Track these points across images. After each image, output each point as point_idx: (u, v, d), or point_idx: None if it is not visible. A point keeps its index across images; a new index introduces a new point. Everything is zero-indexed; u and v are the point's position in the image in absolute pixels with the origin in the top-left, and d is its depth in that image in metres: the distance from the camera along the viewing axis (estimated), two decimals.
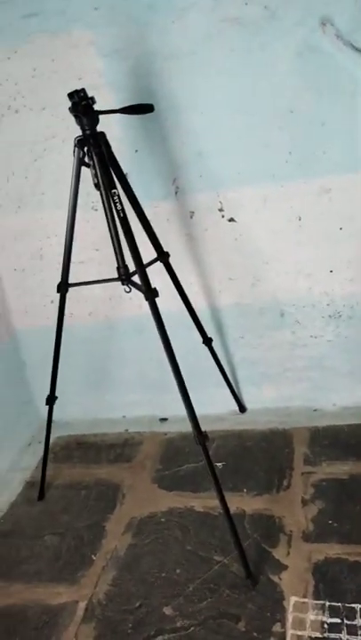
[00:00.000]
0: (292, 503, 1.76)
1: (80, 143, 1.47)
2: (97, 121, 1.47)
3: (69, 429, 2.34)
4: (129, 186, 1.58)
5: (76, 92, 1.43)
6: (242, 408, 2.24)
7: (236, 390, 2.22)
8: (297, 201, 1.89)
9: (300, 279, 2.01)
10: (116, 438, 2.24)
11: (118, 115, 1.53)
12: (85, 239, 2.07)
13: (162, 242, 1.80)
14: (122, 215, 1.46)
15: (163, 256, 1.75)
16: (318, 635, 1.35)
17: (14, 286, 2.23)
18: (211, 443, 2.08)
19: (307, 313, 2.06)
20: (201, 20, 1.71)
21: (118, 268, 1.64)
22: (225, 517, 1.52)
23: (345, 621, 1.37)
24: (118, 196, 1.46)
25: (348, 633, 1.34)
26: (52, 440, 2.26)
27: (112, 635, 1.44)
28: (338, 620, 1.37)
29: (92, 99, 1.46)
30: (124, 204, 1.54)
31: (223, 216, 1.97)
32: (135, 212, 1.64)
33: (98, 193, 1.58)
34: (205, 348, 2.05)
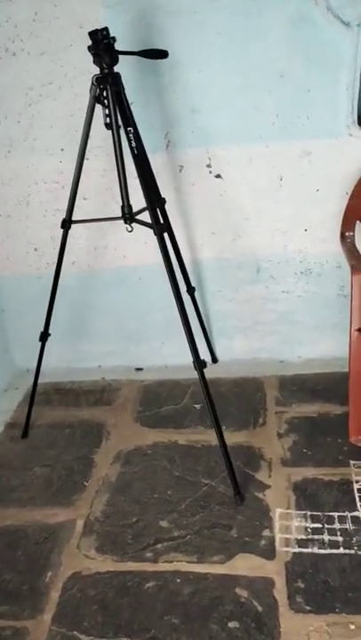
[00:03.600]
0: (269, 437, 1.91)
1: (98, 81, 1.54)
2: (117, 59, 1.55)
3: (45, 377, 2.35)
4: (136, 127, 1.66)
5: (100, 30, 1.50)
6: (214, 359, 2.37)
7: (211, 341, 2.35)
8: (279, 161, 2.04)
9: (277, 236, 2.17)
10: (93, 385, 2.32)
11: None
12: (88, 182, 2.11)
13: None
14: (136, 152, 1.54)
15: (160, 201, 1.85)
16: (303, 537, 1.51)
17: None
18: (185, 389, 2.22)
19: (281, 269, 2.22)
20: None
21: (123, 207, 1.71)
22: (218, 438, 1.65)
23: (325, 526, 1.54)
24: (134, 133, 1.54)
25: (329, 534, 1.51)
26: (28, 386, 2.31)
27: (113, 545, 1.54)
28: (319, 525, 1.54)
29: (114, 38, 1.53)
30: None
31: (211, 172, 2.09)
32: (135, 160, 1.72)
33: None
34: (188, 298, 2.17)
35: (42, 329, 1.99)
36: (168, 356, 2.40)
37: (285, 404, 2.07)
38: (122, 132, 1.60)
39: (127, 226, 1.74)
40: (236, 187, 2.10)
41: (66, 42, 1.92)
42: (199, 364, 1.63)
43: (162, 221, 1.91)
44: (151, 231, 1.94)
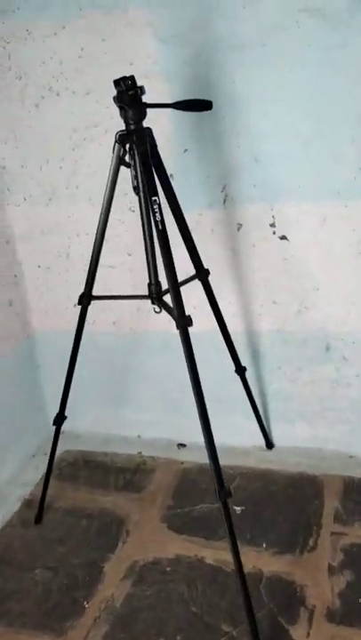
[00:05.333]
0: (318, 569, 1.53)
1: (122, 139, 1.27)
2: (144, 115, 1.27)
3: (79, 443, 2.15)
4: (172, 191, 1.37)
5: (124, 79, 1.23)
6: (269, 444, 2.02)
7: (265, 424, 2.00)
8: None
9: (353, 311, 1.78)
10: (127, 461, 2.05)
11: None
12: (118, 242, 1.88)
13: (203, 254, 1.60)
14: (160, 227, 1.25)
15: (202, 274, 1.54)
16: None
17: (37, 284, 2.05)
18: (230, 480, 1.88)
19: (356, 349, 1.82)
20: (277, 7, 1.49)
21: (150, 285, 1.44)
22: (239, 581, 1.31)
23: None
24: (159, 204, 1.25)
25: None
26: (58, 454, 2.08)
27: None
28: None
29: (142, 88, 1.25)
30: (164, 211, 1.34)
31: (274, 232, 1.74)
32: (176, 222, 1.43)
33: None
34: (237, 377, 1.84)
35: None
36: (216, 433, 2.06)
37: (346, 522, 1.68)
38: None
39: (155, 306, 1.46)
40: (304, 251, 1.74)
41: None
42: (222, 495, 1.29)
43: (205, 294, 1.61)
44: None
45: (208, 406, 2.02)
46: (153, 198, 1.24)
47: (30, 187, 1.91)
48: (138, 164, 1.26)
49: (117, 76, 1.29)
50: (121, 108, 1.25)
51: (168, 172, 1.68)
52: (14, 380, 2.07)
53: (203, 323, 1.76)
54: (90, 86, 1.72)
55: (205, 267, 1.61)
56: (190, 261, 1.55)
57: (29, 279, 2.05)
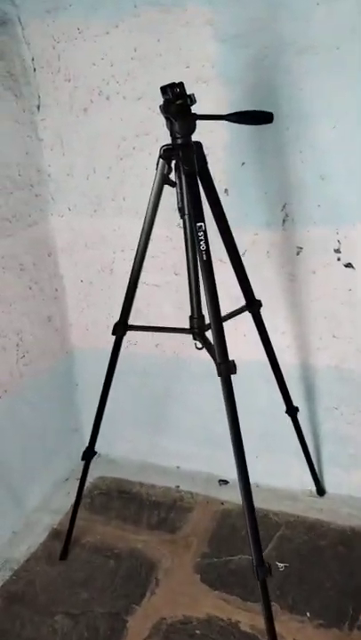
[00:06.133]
0: None
1: (166, 154, 1.11)
2: (193, 128, 1.10)
3: (114, 470, 2.03)
4: (223, 213, 1.20)
5: (171, 85, 1.07)
6: (320, 490, 1.82)
7: (316, 467, 1.81)
8: None
9: None
10: (163, 495, 1.90)
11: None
12: (165, 259, 1.73)
13: (256, 278, 1.44)
14: (205, 258, 1.08)
15: (252, 306, 1.37)
16: None
17: (78, 300, 1.93)
18: (275, 528, 1.70)
19: None
20: (355, 5, 1.29)
21: (192, 318, 1.28)
22: None
23: None
24: (205, 231, 1.09)
25: None
26: (93, 479, 1.98)
27: None
28: None
29: (192, 97, 1.09)
30: (214, 235, 1.18)
31: (339, 259, 1.55)
32: (225, 247, 1.27)
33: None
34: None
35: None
36: (262, 472, 1.88)
37: None
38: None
39: (196, 342, 1.29)
40: None
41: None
42: (262, 573, 1.12)
43: (256, 326, 1.43)
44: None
45: (255, 442, 1.86)
46: (198, 224, 1.08)
47: (75, 196, 1.79)
48: (183, 184, 1.10)
49: (172, 80, 1.14)
50: (167, 119, 1.09)
51: (222, 187, 1.52)
52: (50, 398, 1.96)
53: (253, 352, 1.60)
54: (142, 91, 1.58)
55: (258, 295, 1.44)
56: (240, 290, 1.38)
57: (70, 294, 1.93)
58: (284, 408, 1.65)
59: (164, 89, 1.09)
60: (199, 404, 1.91)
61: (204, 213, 1.15)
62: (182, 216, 1.14)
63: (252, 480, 1.95)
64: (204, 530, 1.74)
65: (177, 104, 1.06)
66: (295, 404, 1.66)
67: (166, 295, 1.79)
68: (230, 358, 1.17)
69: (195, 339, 1.32)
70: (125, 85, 1.59)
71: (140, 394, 1.97)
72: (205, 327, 1.28)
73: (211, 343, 1.19)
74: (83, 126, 1.69)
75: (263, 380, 1.69)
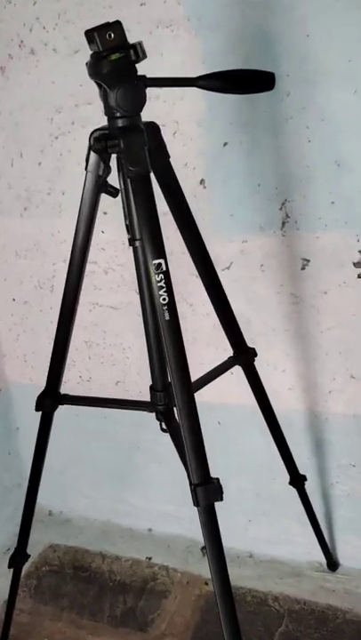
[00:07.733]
0: None
1: (101, 144, 0.66)
2: (142, 100, 0.65)
3: (69, 534, 1.61)
4: (194, 227, 0.76)
5: (101, 29, 0.61)
6: (332, 563, 1.43)
7: (326, 535, 1.41)
8: None
9: None
10: (131, 572, 1.49)
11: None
12: (122, 274, 1.29)
13: (246, 301, 1.03)
14: (168, 316, 0.64)
15: (245, 355, 0.94)
16: None
17: (11, 324, 1.48)
18: (275, 623, 1.32)
19: None
20: None
21: (153, 390, 0.84)
22: None
23: None
24: (166, 273, 0.64)
25: None
26: (42, 549, 1.57)
27: None
28: None
29: (137, 49, 0.64)
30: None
31: (360, 275, 1.12)
32: (202, 279, 0.83)
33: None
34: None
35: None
36: (256, 539, 1.49)
37: None
38: None
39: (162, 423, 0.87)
40: None
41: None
42: None
43: (248, 380, 1.01)
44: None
45: (251, 503, 1.46)
46: (155, 262, 0.63)
47: None
48: (130, 194, 0.65)
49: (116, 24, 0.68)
50: (99, 86, 0.64)
51: (197, 178, 1.10)
52: None
53: (246, 395, 1.19)
54: (79, 41, 1.09)
55: (249, 323, 1.04)
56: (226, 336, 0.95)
57: (1, 317, 1.48)
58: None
59: (90, 35, 0.63)
60: (174, 452, 1.49)
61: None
62: (132, 243, 0.69)
63: (244, 548, 1.59)
64: (184, 625, 1.34)
65: (111, 60, 0.60)
66: (299, 462, 1.26)
67: (127, 320, 1.35)
68: (213, 473, 0.75)
69: (158, 418, 0.89)
70: (56, 33, 1.13)
71: (101, 440, 1.55)
72: (174, 403, 0.86)
73: (179, 429, 0.75)
74: (1, 92, 1.22)
75: (258, 429, 1.28)
